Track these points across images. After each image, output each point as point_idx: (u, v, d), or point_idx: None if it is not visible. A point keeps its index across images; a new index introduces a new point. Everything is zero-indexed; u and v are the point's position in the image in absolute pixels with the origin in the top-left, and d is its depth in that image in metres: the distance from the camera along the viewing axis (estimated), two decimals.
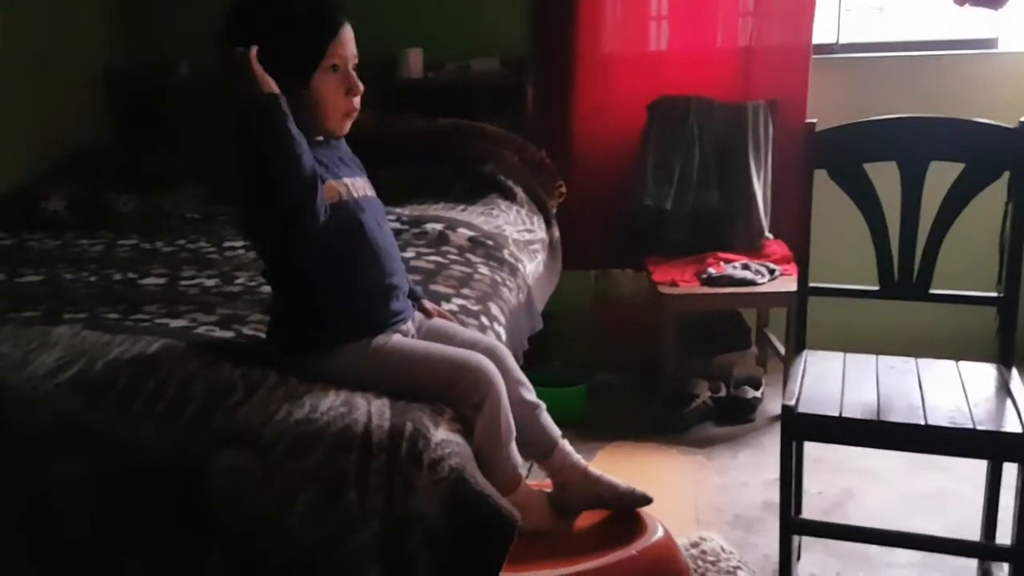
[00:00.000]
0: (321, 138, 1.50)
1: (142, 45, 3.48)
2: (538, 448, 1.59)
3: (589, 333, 3.31)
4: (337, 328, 1.46)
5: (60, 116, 3.15)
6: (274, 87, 1.34)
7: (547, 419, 1.59)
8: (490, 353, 1.55)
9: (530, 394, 1.57)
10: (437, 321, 1.65)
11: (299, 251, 1.43)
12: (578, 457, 1.61)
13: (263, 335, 1.60)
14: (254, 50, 1.34)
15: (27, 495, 1.29)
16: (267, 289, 1.88)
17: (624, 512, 1.62)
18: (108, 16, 3.43)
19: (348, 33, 1.45)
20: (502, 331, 1.90)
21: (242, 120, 1.35)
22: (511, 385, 1.51)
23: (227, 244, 2.31)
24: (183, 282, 1.98)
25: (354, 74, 1.46)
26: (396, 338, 1.50)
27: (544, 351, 2.80)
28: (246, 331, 1.65)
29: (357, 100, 1.48)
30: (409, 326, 1.55)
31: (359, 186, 1.52)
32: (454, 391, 1.43)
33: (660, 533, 1.55)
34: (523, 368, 1.67)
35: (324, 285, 1.46)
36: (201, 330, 1.64)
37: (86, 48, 3.32)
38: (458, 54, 3.26)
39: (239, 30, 1.40)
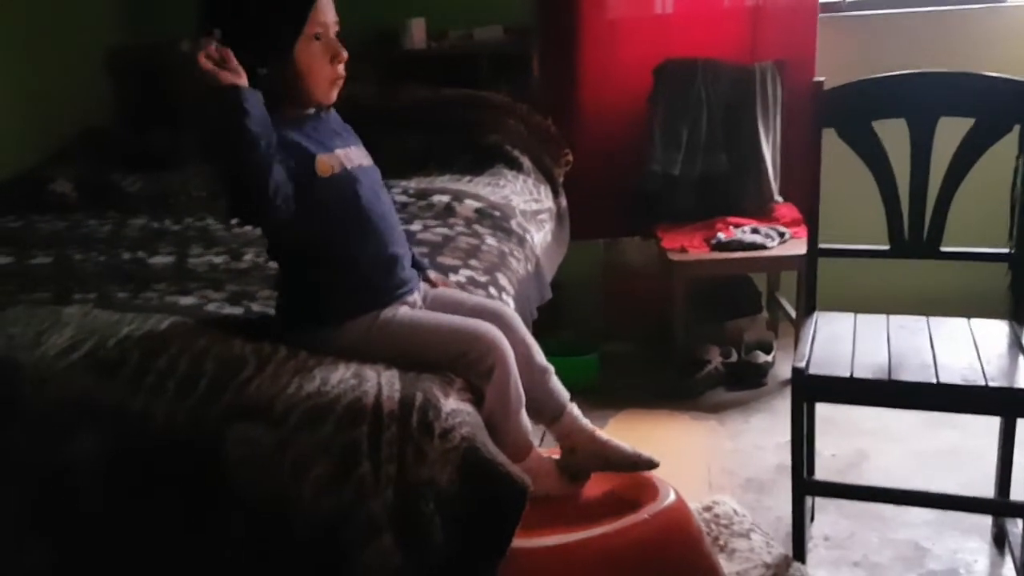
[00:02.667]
0: (312, 111, 1.49)
1: (144, 23, 3.46)
2: (547, 412, 1.58)
3: (599, 302, 3.31)
4: (343, 302, 1.46)
5: (64, 98, 3.15)
6: (235, 78, 1.32)
7: (556, 383, 1.59)
8: (498, 317, 1.54)
9: (539, 357, 1.57)
10: (443, 289, 1.65)
11: (291, 229, 1.42)
12: (586, 421, 1.61)
13: (272, 311, 1.61)
14: (208, 46, 1.32)
15: (42, 473, 1.30)
16: (275, 265, 1.89)
17: (636, 477, 1.63)
18: None
19: (328, 1, 1.43)
20: (511, 301, 1.89)
21: (203, 113, 1.35)
22: (520, 348, 1.51)
23: (234, 221, 2.31)
24: (192, 260, 1.98)
25: (336, 41, 1.45)
26: (403, 310, 1.50)
27: (554, 321, 2.81)
28: (255, 307, 1.66)
29: (342, 67, 1.47)
30: (415, 297, 1.55)
31: (353, 156, 1.51)
32: (463, 361, 1.44)
33: (672, 497, 1.55)
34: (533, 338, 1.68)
35: (325, 259, 1.46)
36: (211, 307, 1.65)
37: (88, 28, 3.31)
38: (461, 23, 3.23)
39: (218, 6, 1.39)
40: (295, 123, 1.45)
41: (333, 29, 1.45)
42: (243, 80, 1.32)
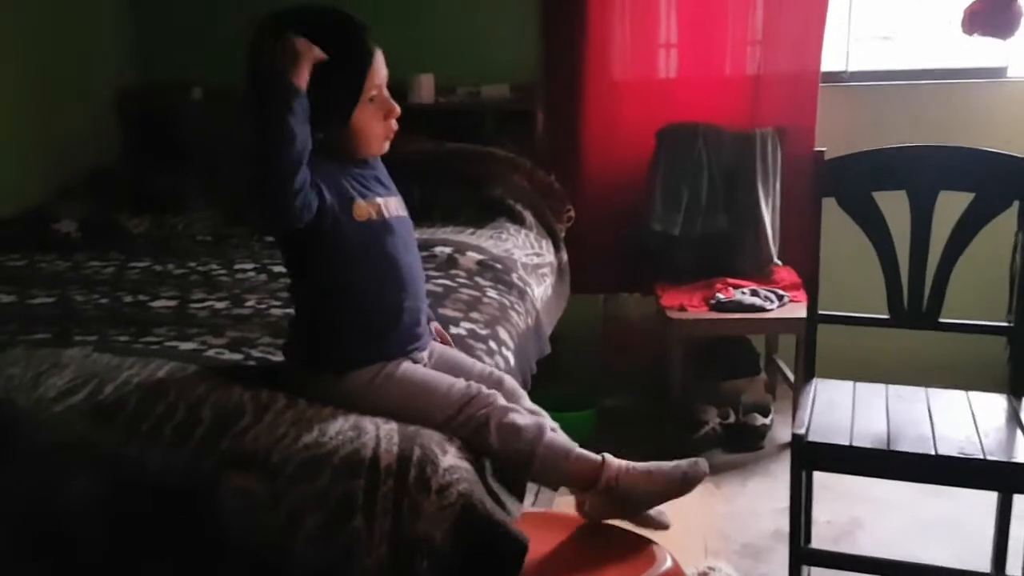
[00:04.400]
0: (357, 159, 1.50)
1: (155, 67, 3.52)
2: None
3: (597, 357, 3.30)
4: (352, 350, 1.46)
5: (72, 137, 3.18)
6: (300, 81, 1.31)
7: (561, 437, 1.58)
8: (501, 386, 1.55)
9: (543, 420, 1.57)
10: (449, 350, 1.65)
11: (321, 262, 1.42)
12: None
13: (272, 358, 1.61)
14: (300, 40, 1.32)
15: (37, 517, 1.29)
16: (276, 312, 1.90)
17: (632, 542, 1.61)
18: (121, 38, 3.48)
19: (380, 59, 1.44)
20: (510, 355, 1.90)
21: (254, 83, 1.35)
22: None
23: (237, 267, 2.32)
24: (193, 304, 1.99)
25: (389, 96, 1.46)
26: (407, 365, 1.49)
27: (552, 375, 2.79)
28: (255, 354, 1.65)
29: (394, 121, 1.48)
30: (424, 355, 1.55)
31: (392, 206, 1.51)
32: (459, 419, 1.44)
33: (668, 563, 1.53)
34: (530, 392, 1.68)
35: (345, 304, 1.45)
36: (211, 353, 1.65)
37: (99, 69, 3.36)
38: (469, 80, 3.28)
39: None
40: (343, 166, 1.46)
41: (385, 86, 1.45)
42: (303, 84, 1.32)
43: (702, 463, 1.56)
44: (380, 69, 1.44)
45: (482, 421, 1.43)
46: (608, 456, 1.52)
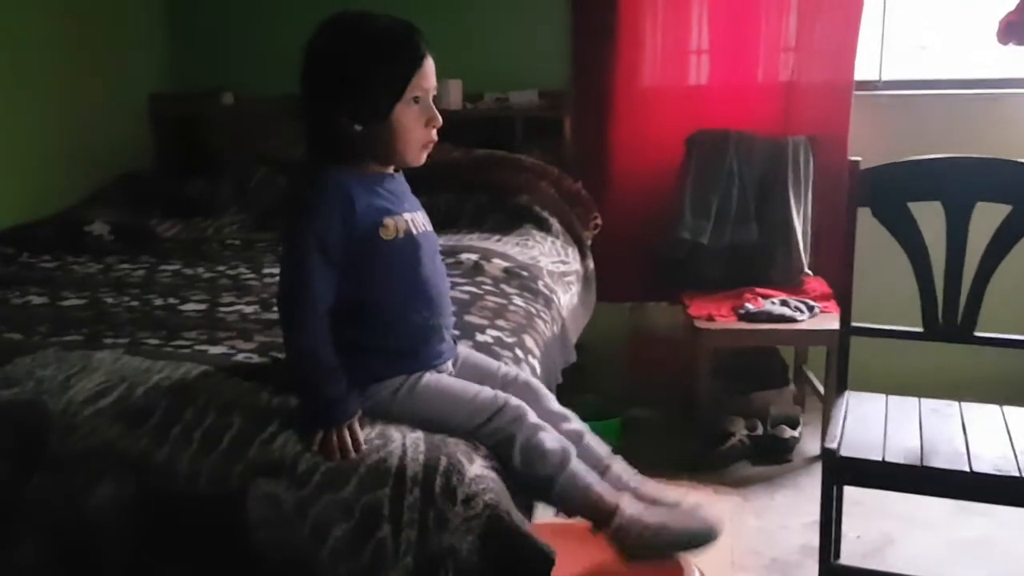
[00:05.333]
0: (390, 171, 1.50)
1: (186, 73, 3.55)
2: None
3: (623, 366, 3.28)
4: (374, 366, 1.45)
5: (105, 142, 3.22)
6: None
7: (593, 440, 1.56)
8: (526, 390, 1.53)
9: (570, 423, 1.55)
10: (474, 356, 1.63)
11: (345, 282, 1.42)
12: (632, 476, 1.56)
13: None
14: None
15: (65, 521, 1.29)
16: None
17: None
18: (154, 43, 3.51)
19: (430, 65, 1.44)
20: (536, 364, 1.88)
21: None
22: (550, 419, 1.50)
23: (266, 271, 2.33)
24: (222, 309, 1.99)
25: (433, 106, 1.45)
26: (428, 376, 1.47)
27: (577, 384, 2.78)
28: (283, 358, 1.65)
29: (435, 132, 1.47)
30: (448, 367, 1.54)
31: (419, 221, 1.50)
32: (485, 429, 1.42)
33: None
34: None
35: (370, 321, 1.44)
36: (239, 357, 1.65)
37: (132, 75, 3.39)
38: (497, 86, 3.28)
39: (322, 67, 1.40)
40: (371, 181, 1.45)
41: (432, 94, 1.45)
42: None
43: (716, 527, 1.50)
44: (429, 74, 1.44)
45: (507, 437, 1.42)
46: (623, 503, 1.47)
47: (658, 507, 1.50)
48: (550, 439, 1.44)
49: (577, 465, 1.45)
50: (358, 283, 1.41)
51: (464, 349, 1.64)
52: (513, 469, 1.41)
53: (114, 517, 1.28)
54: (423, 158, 1.48)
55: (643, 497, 1.54)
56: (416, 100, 1.42)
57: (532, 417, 1.45)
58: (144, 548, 1.28)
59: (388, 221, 1.43)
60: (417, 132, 1.44)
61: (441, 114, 1.47)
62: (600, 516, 1.46)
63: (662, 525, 1.47)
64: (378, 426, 1.38)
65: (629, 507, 1.46)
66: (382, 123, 1.41)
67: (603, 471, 1.55)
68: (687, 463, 2.76)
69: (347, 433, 1.34)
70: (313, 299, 1.38)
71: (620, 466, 1.57)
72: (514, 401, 1.45)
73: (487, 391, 1.47)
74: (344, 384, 1.38)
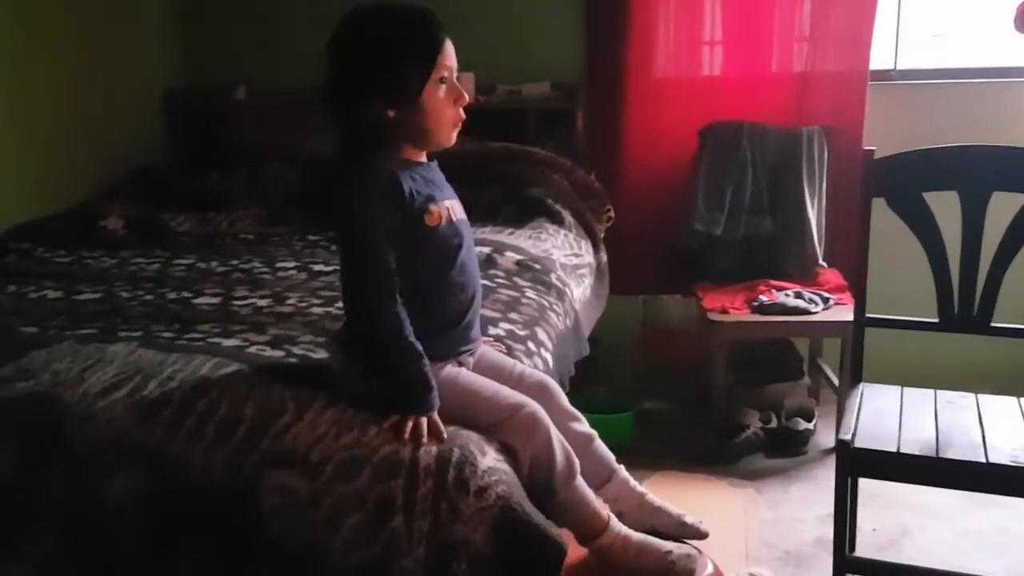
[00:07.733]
0: (423, 158, 1.51)
1: (200, 67, 3.56)
2: (594, 477, 1.57)
3: (636, 359, 3.27)
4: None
5: (119, 137, 3.23)
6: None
7: (601, 447, 1.58)
8: (540, 388, 1.54)
9: (581, 425, 1.56)
10: (490, 351, 1.64)
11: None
12: (635, 485, 1.59)
13: (313, 355, 1.61)
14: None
15: (79, 513, 1.31)
16: (317, 310, 1.90)
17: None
18: (168, 38, 3.53)
19: (450, 46, 1.46)
20: (549, 356, 1.88)
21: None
22: (561, 419, 1.51)
23: (279, 265, 2.34)
24: (236, 302, 2.00)
25: (458, 84, 1.48)
26: (450, 368, 1.48)
27: (590, 376, 2.78)
28: (296, 351, 1.66)
29: (462, 110, 1.49)
30: (472, 359, 1.55)
31: (457, 209, 1.52)
32: (502, 428, 1.43)
33: (710, 569, 1.52)
34: (568, 394, 1.66)
35: (412, 306, 1.43)
36: (253, 350, 1.66)
37: (146, 69, 3.41)
38: (510, 79, 3.28)
39: (352, 57, 1.42)
40: (411, 168, 1.46)
41: (455, 73, 1.47)
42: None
43: (695, 558, 1.54)
44: (451, 53, 1.46)
45: (518, 444, 1.42)
46: (614, 520, 1.53)
47: (650, 517, 1.56)
48: (559, 453, 1.45)
49: (580, 482, 1.48)
50: (404, 267, 1.42)
51: (481, 346, 1.64)
52: (518, 475, 1.41)
53: (129, 507, 1.29)
54: (454, 137, 1.50)
55: (646, 506, 1.55)
56: (442, 80, 1.44)
57: (544, 427, 1.45)
58: (158, 538, 1.29)
59: (433, 208, 1.45)
60: (448, 111, 1.46)
61: None
62: (589, 532, 1.50)
63: (643, 547, 1.52)
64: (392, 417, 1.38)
65: (616, 526, 1.51)
66: (414, 105, 1.43)
67: (608, 477, 1.56)
68: (701, 456, 2.75)
69: (425, 422, 1.34)
70: (392, 283, 1.38)
71: (624, 474, 1.59)
72: (528, 408, 1.45)
73: (504, 391, 1.47)
74: (430, 371, 1.39)
